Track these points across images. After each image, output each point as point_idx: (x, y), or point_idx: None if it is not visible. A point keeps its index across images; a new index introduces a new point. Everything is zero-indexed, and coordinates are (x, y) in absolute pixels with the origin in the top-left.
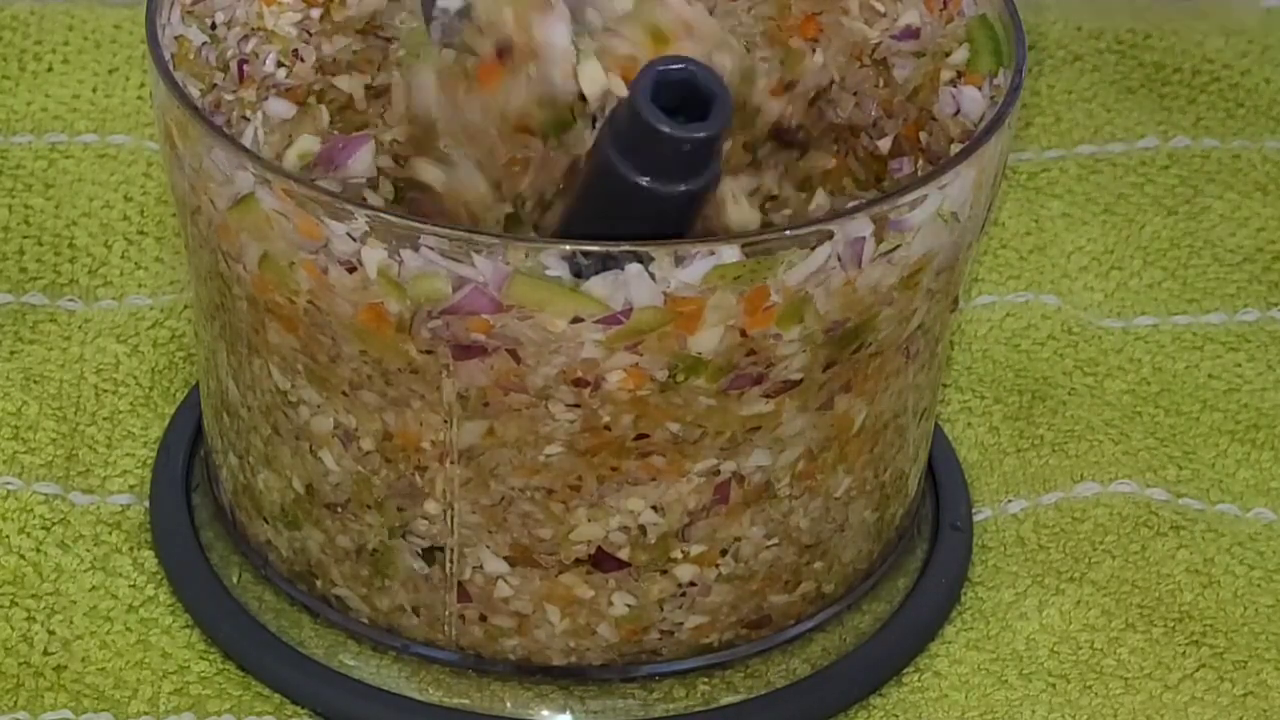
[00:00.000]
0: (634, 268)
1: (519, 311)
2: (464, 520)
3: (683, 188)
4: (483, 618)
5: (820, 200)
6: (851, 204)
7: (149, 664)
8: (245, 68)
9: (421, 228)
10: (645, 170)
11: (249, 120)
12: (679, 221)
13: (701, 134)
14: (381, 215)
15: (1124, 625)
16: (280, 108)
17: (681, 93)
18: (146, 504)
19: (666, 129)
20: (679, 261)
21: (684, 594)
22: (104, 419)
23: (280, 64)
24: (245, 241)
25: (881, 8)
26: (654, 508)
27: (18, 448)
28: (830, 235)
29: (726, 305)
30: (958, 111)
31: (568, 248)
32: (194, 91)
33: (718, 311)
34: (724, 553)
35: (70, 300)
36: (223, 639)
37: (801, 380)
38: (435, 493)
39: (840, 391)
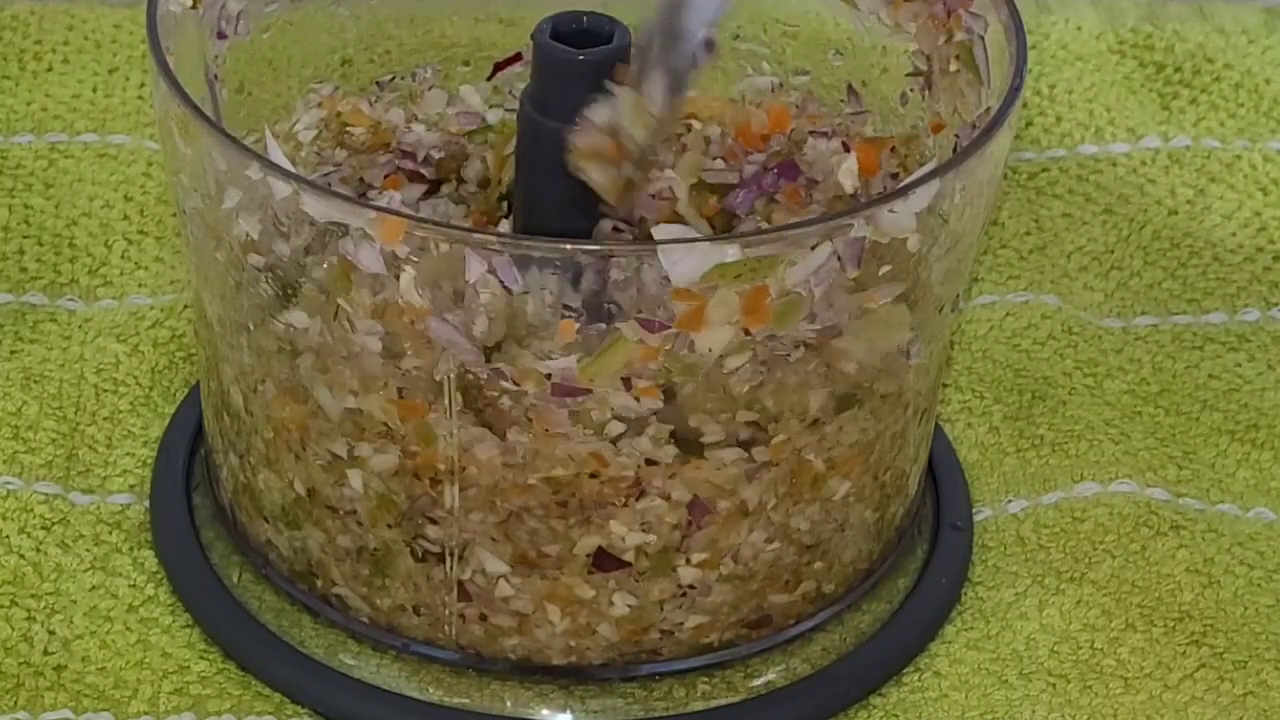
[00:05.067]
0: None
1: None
2: (469, 528)
3: None
4: (483, 617)
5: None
6: (851, 204)
7: (149, 664)
8: None
9: (424, 224)
10: (565, 114)
11: None
12: None
13: (604, 55)
14: (386, 214)
15: (1124, 625)
16: None
17: (580, 36)
18: (146, 504)
19: (579, 56)
20: (679, 260)
21: (684, 594)
22: (104, 419)
23: None
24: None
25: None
26: (644, 525)
27: (18, 448)
28: (830, 235)
29: (729, 303)
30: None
31: (568, 247)
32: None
33: (721, 309)
34: (724, 554)
35: (70, 300)
36: (223, 639)
37: None
38: (442, 506)
39: None
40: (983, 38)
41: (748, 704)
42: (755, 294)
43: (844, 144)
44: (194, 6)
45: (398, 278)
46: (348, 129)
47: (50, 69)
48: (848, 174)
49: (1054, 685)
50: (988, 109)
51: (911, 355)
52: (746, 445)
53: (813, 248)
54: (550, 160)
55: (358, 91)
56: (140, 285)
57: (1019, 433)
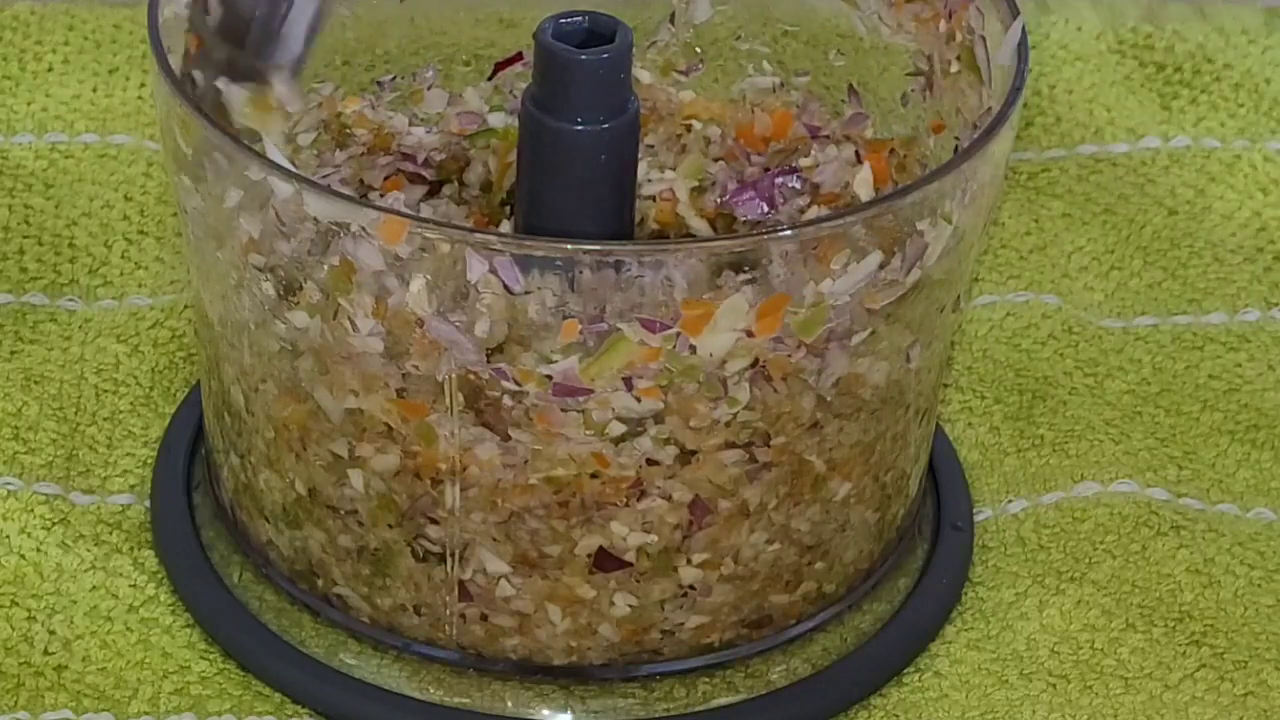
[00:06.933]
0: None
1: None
2: (470, 528)
3: (605, 124)
4: (484, 617)
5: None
6: (852, 206)
7: (149, 664)
8: None
9: (425, 224)
10: (567, 114)
11: None
12: (613, 169)
13: (606, 55)
14: (388, 214)
15: (1124, 625)
16: None
17: (581, 36)
18: (147, 504)
19: (581, 56)
20: (685, 264)
21: (685, 594)
22: (104, 419)
23: None
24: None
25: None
26: (645, 525)
27: (18, 448)
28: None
29: (738, 309)
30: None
31: (569, 247)
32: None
33: (730, 315)
34: (725, 554)
35: (70, 300)
36: (223, 638)
37: None
38: (443, 506)
39: None
40: (984, 38)
41: (748, 704)
42: (773, 302)
43: (857, 153)
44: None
45: (400, 279)
46: (348, 130)
47: (50, 69)
48: (863, 184)
49: (1054, 685)
50: (989, 109)
51: (912, 357)
52: (747, 446)
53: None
54: (552, 160)
55: (358, 91)
56: (140, 285)
57: (1019, 433)
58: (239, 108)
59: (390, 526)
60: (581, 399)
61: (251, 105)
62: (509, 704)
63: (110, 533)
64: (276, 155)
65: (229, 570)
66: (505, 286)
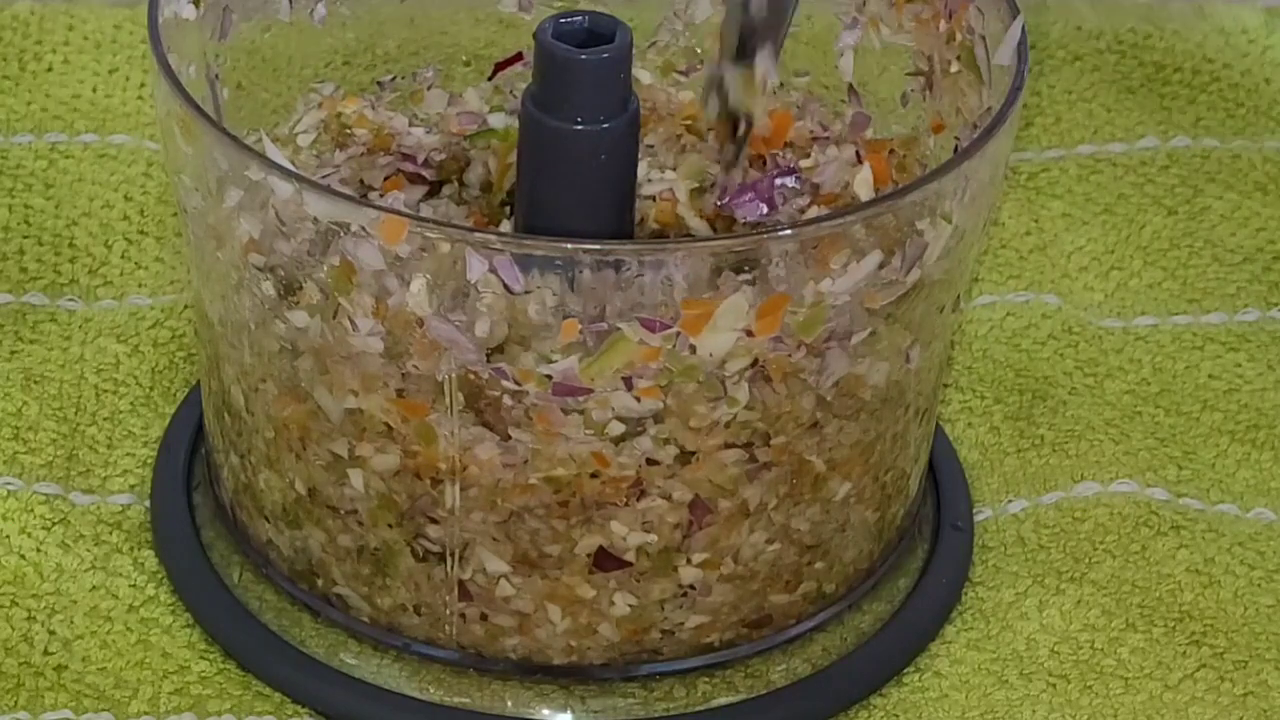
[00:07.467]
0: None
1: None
2: (470, 528)
3: (605, 124)
4: (484, 617)
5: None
6: (851, 206)
7: (149, 664)
8: None
9: (425, 223)
10: (567, 114)
11: None
12: (613, 169)
13: (606, 55)
14: (388, 214)
15: (1124, 625)
16: None
17: (581, 36)
18: (147, 504)
19: (581, 56)
20: (685, 264)
21: (685, 594)
22: (104, 419)
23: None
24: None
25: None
26: (645, 525)
27: (18, 448)
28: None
29: (738, 309)
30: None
31: (569, 247)
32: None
33: (729, 315)
34: (725, 554)
35: (70, 300)
36: (223, 638)
37: None
38: (443, 506)
39: None
40: (983, 38)
41: (748, 704)
42: (773, 302)
43: (857, 153)
44: (196, 5)
45: (400, 279)
46: (348, 130)
47: (50, 69)
48: (863, 184)
49: (1054, 685)
50: (989, 109)
51: (912, 357)
52: (747, 446)
53: (815, 248)
54: (552, 160)
55: (358, 91)
56: (140, 285)
57: (1019, 433)
58: (734, 90)
59: (390, 526)
60: (581, 399)
61: (743, 86)
62: (509, 704)
63: (110, 533)
64: (276, 155)
65: (229, 570)
66: (505, 286)
